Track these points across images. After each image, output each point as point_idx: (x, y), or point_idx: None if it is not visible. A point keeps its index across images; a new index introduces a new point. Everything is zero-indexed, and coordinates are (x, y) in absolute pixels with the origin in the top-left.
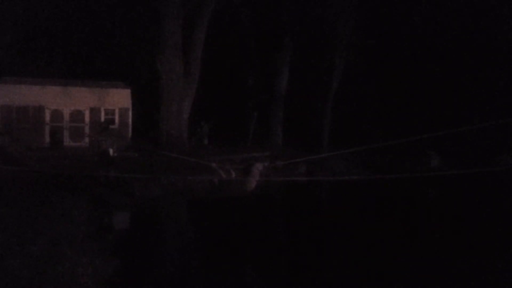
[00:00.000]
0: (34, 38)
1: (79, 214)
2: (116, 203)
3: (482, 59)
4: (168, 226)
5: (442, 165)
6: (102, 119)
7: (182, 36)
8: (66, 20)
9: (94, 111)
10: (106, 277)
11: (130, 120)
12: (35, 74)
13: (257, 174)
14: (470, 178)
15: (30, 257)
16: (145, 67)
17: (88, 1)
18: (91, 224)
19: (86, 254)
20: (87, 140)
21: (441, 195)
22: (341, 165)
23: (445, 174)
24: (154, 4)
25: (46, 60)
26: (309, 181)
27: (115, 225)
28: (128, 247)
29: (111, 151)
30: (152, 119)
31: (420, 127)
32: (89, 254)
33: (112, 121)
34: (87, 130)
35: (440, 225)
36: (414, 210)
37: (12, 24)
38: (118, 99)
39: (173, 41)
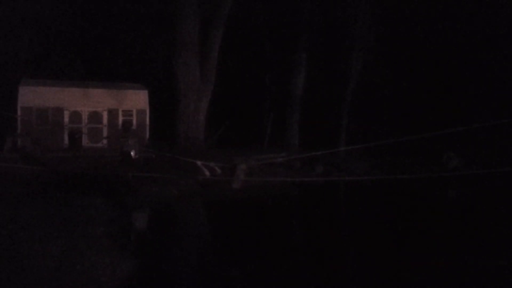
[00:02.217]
0: (54, 41)
1: (98, 214)
2: (135, 203)
3: (501, 59)
4: (185, 226)
5: (461, 166)
6: (120, 120)
7: (199, 37)
8: (85, 23)
9: (112, 112)
10: (125, 277)
11: (147, 121)
12: (54, 76)
13: (241, 174)
14: (490, 178)
15: (50, 256)
16: (162, 68)
17: (106, 4)
18: (110, 224)
19: (105, 254)
20: (105, 141)
21: (460, 196)
22: (358, 166)
23: (464, 175)
24: (171, 6)
25: (65, 63)
26: (326, 181)
27: (134, 225)
28: (147, 247)
29: (133, 152)
30: (170, 120)
31: (438, 127)
32: (108, 254)
33: (130, 123)
34: (105, 131)
35: (459, 226)
36: (432, 211)
37: (32, 27)
38: (136, 101)
39: (190, 43)
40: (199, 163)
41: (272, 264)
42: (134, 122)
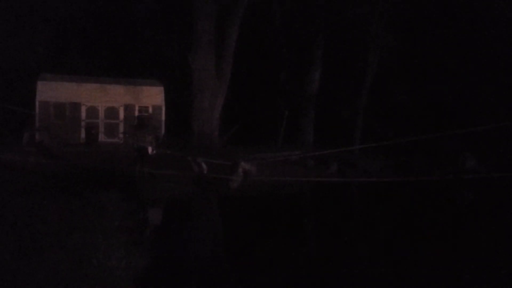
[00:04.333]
0: (72, 37)
1: (114, 208)
2: (150, 199)
3: None
4: (199, 222)
5: (477, 167)
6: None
7: (215, 34)
8: (102, 19)
9: (128, 108)
10: (140, 271)
11: (163, 117)
12: (72, 72)
13: (242, 173)
14: (506, 180)
15: (66, 249)
16: (178, 65)
17: (124, 1)
18: (125, 218)
19: (120, 248)
20: (121, 136)
21: (476, 197)
22: (373, 165)
23: (480, 176)
24: (187, 2)
25: (82, 58)
26: (340, 181)
27: (149, 220)
28: (162, 242)
29: (149, 149)
30: (185, 116)
31: (456, 127)
32: (123, 248)
33: (148, 118)
34: (121, 127)
35: (474, 229)
36: (448, 213)
37: (51, 22)
38: (152, 97)
39: (206, 39)
40: (189, 158)
41: (283, 260)
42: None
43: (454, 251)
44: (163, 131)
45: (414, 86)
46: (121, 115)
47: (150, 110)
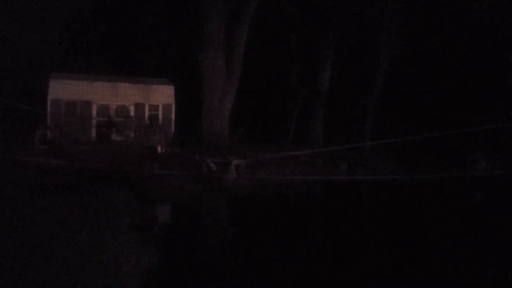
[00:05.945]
0: (83, 36)
1: (123, 206)
2: (159, 197)
3: None
4: (208, 220)
5: (489, 168)
6: (146, 114)
7: (225, 33)
8: (113, 18)
9: (139, 106)
10: (149, 268)
11: (173, 116)
12: (83, 70)
13: (234, 170)
14: None
15: (76, 246)
16: (188, 64)
17: (135, 0)
18: (135, 216)
19: (129, 245)
20: (132, 135)
21: (487, 197)
22: (383, 165)
23: (492, 178)
24: (197, 1)
25: (94, 57)
26: (349, 180)
27: (158, 218)
28: (170, 239)
29: (159, 147)
30: (195, 115)
31: (467, 126)
32: (132, 245)
33: (156, 117)
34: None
35: (483, 229)
36: (457, 214)
37: (62, 22)
38: (162, 95)
39: (216, 38)
40: (197, 157)
41: (292, 259)
42: (160, 116)
43: (463, 251)
44: (173, 129)
45: (425, 86)
46: (132, 113)
47: (161, 108)
